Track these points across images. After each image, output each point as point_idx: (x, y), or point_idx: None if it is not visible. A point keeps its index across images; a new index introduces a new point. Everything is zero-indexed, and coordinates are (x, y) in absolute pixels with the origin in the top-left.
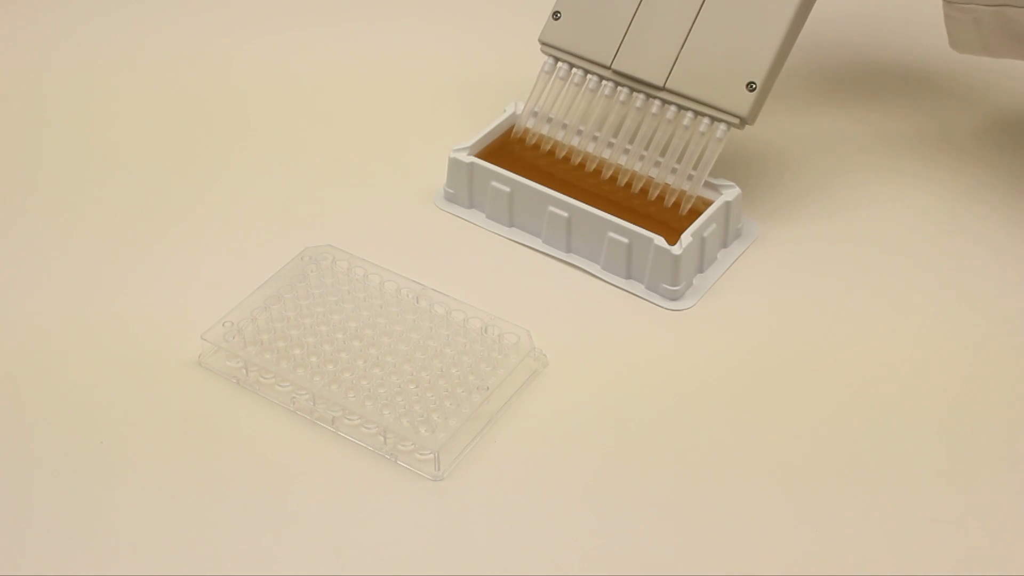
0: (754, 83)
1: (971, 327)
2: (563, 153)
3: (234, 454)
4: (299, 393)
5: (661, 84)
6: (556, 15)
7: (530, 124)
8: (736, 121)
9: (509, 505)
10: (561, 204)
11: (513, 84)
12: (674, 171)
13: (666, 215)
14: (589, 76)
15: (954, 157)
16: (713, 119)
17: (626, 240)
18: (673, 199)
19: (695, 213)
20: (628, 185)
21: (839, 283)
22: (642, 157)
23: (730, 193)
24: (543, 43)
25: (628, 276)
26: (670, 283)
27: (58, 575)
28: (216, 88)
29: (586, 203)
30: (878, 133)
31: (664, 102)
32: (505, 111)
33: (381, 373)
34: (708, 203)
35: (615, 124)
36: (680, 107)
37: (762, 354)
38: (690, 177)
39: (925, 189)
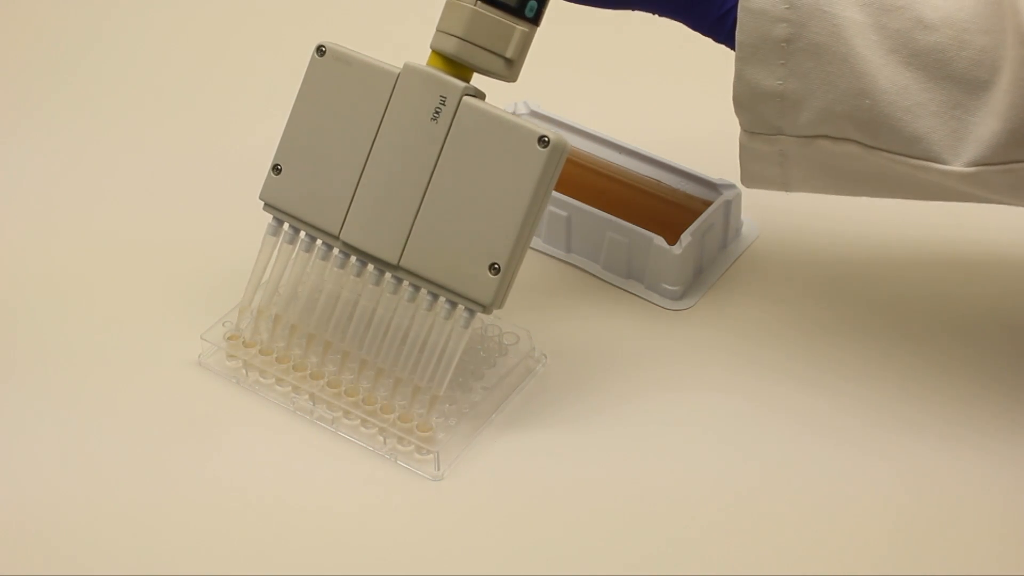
0: (497, 265)
1: (972, 325)
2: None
3: (234, 454)
4: (298, 393)
5: (394, 262)
6: (276, 169)
7: (258, 299)
8: (478, 308)
9: (509, 505)
10: (561, 204)
11: (514, 84)
12: (413, 363)
13: (666, 215)
14: (318, 242)
15: None
16: (453, 303)
17: (626, 240)
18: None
19: (695, 213)
20: (628, 186)
21: (839, 282)
22: (379, 349)
23: (730, 193)
24: (264, 202)
25: (628, 276)
26: (670, 283)
27: (58, 575)
28: (218, 85)
29: (586, 203)
30: None
31: (398, 279)
32: (506, 110)
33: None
34: (708, 203)
35: (348, 303)
36: (416, 287)
37: (762, 354)
38: (431, 372)
39: None
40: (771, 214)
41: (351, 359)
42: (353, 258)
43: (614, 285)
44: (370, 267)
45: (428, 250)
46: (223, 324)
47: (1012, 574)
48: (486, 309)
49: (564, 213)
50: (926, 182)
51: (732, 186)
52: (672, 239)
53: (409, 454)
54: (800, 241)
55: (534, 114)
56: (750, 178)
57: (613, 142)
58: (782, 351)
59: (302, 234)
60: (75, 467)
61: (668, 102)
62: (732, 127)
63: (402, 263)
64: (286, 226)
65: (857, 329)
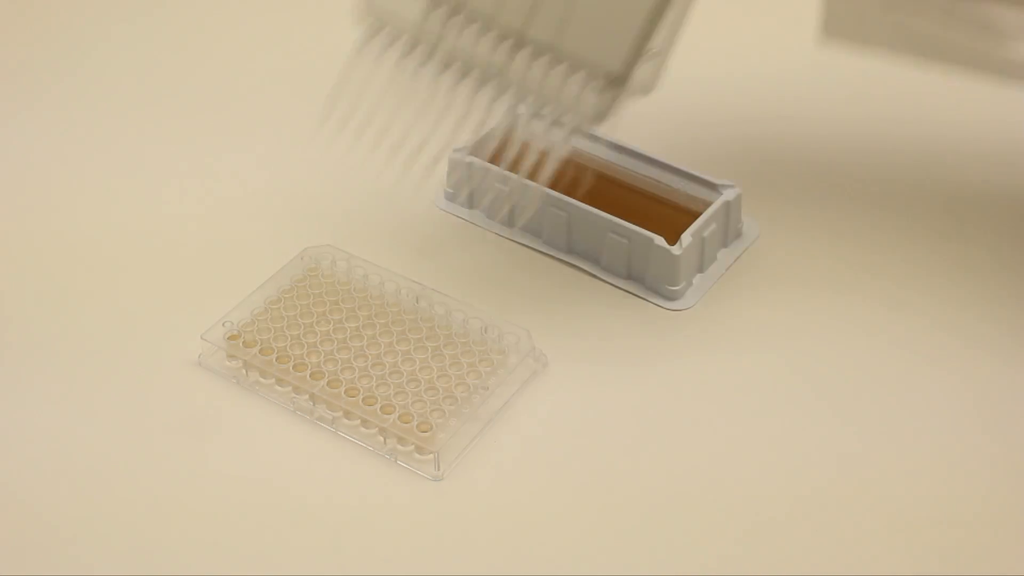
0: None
1: (969, 325)
2: (564, 162)
3: (234, 454)
4: (299, 393)
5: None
6: None
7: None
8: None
9: (509, 505)
10: (561, 204)
11: None
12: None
13: (666, 215)
14: (416, 52)
15: (954, 154)
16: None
17: (626, 240)
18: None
19: (694, 214)
20: (628, 186)
21: (839, 283)
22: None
23: (730, 193)
24: (362, 10)
25: (628, 276)
26: (670, 283)
27: (58, 574)
28: (217, 85)
29: (586, 203)
30: (879, 132)
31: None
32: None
33: (381, 373)
34: (708, 203)
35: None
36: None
37: (762, 354)
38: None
39: (925, 188)
40: (771, 214)
41: (352, 353)
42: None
43: (614, 285)
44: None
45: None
46: (223, 324)
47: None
48: (621, 85)
49: (564, 213)
50: (995, 60)
51: (732, 186)
52: (672, 239)
53: (409, 454)
54: (800, 241)
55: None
56: (830, 34)
57: (613, 142)
58: (782, 351)
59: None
60: (74, 467)
61: (669, 102)
62: (732, 127)
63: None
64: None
65: (858, 329)
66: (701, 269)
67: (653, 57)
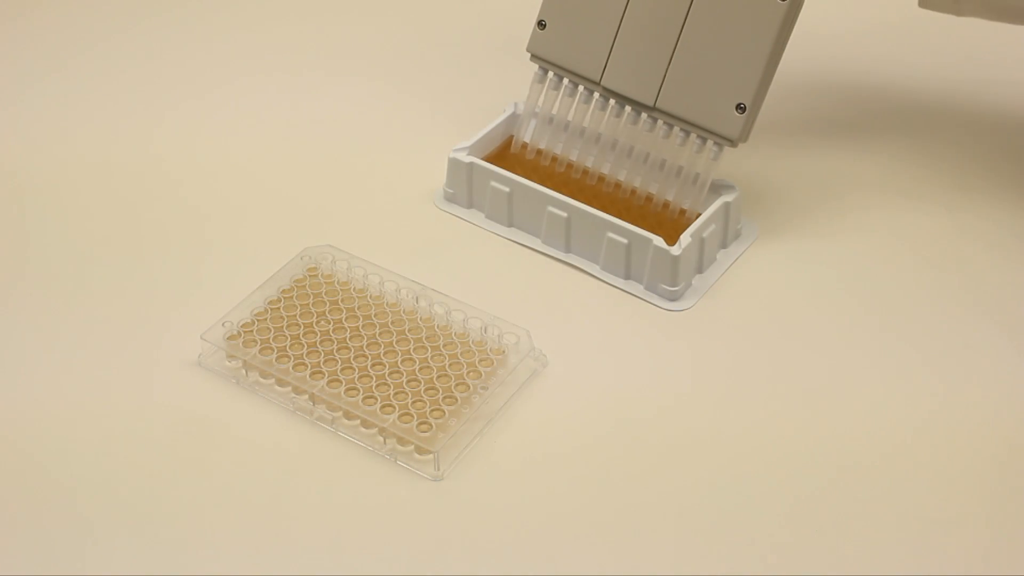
0: (743, 104)
1: (966, 327)
2: (563, 165)
3: (234, 454)
4: (298, 393)
5: (651, 104)
6: (541, 24)
7: (527, 135)
8: (727, 142)
9: (509, 505)
10: (560, 204)
11: (513, 83)
12: (671, 190)
13: (665, 216)
14: (580, 87)
15: (953, 155)
16: (704, 138)
17: (625, 240)
18: (676, 213)
19: (694, 214)
20: (628, 189)
21: (838, 283)
22: (639, 177)
23: (729, 193)
24: (532, 53)
25: (627, 276)
26: (669, 283)
27: (56, 574)
28: (216, 83)
29: (586, 203)
30: (878, 133)
31: (654, 119)
32: (505, 111)
33: (381, 373)
34: (708, 204)
35: (608, 140)
36: (670, 125)
37: (761, 354)
38: (688, 196)
39: (922, 190)
40: (771, 215)
41: (352, 352)
42: (612, 101)
43: (613, 286)
44: (628, 109)
45: (681, 92)
46: (223, 324)
47: None
48: (733, 143)
49: (564, 214)
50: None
51: (732, 187)
52: (671, 240)
53: (409, 454)
54: (800, 242)
55: (533, 116)
56: (927, 4)
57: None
58: (781, 352)
59: (565, 81)
60: (75, 466)
61: None
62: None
63: (657, 104)
64: (550, 74)
65: (856, 330)
66: (700, 270)
67: (748, 113)
